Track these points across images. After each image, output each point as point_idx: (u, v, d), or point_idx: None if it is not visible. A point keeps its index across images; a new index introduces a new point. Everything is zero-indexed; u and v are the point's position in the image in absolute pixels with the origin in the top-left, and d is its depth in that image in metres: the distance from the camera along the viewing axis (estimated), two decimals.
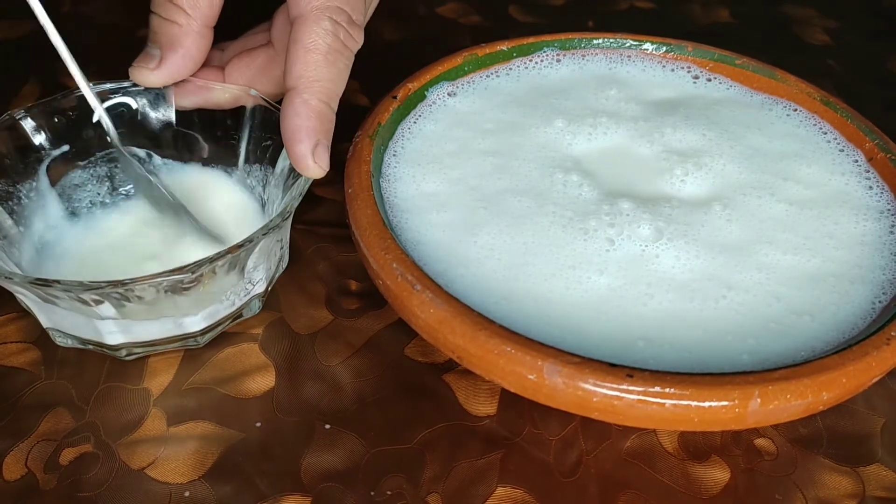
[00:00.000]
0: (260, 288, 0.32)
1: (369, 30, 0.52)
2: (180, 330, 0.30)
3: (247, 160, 0.35)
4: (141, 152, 0.35)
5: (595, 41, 0.40)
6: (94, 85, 0.33)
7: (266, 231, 0.28)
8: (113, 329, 0.28)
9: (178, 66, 0.31)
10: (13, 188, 0.32)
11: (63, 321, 0.29)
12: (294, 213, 0.31)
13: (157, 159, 0.35)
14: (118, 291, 0.26)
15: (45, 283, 0.25)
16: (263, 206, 0.34)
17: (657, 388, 0.23)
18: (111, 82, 0.34)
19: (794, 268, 0.29)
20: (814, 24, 0.58)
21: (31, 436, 0.28)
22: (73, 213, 0.34)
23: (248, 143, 0.34)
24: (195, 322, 0.30)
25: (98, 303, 0.27)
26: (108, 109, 0.33)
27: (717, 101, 0.38)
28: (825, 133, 0.36)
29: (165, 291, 0.27)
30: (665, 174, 0.33)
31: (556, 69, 0.40)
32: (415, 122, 0.35)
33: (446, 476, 0.28)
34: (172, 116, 0.35)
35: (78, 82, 0.31)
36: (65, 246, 0.32)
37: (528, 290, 0.28)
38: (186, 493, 0.27)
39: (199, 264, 0.26)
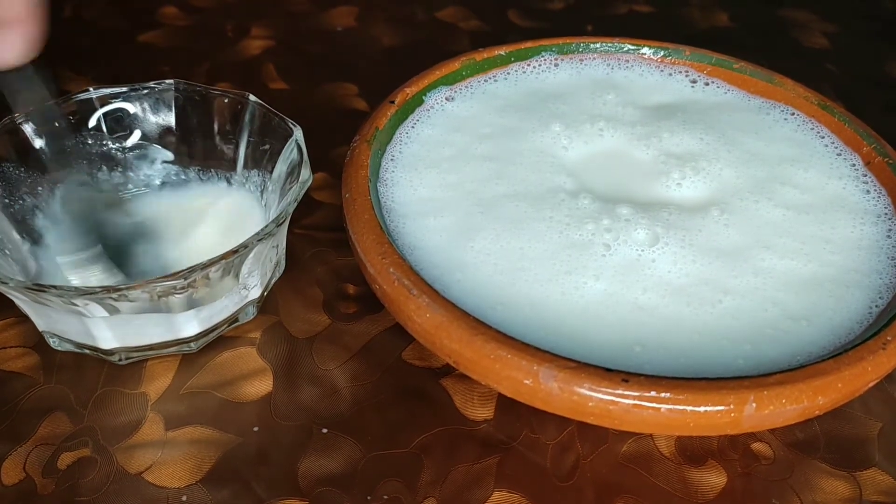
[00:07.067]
0: (255, 293, 0.32)
1: (368, 34, 0.53)
2: (174, 335, 0.30)
3: (245, 165, 0.35)
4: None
5: (593, 45, 0.40)
6: (93, 90, 0.34)
7: (261, 237, 0.28)
8: (107, 333, 0.29)
9: None
10: (13, 191, 0.32)
11: (57, 325, 0.29)
12: (292, 218, 0.31)
13: (156, 163, 0.35)
14: (112, 297, 0.26)
15: (40, 288, 0.26)
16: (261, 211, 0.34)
17: (653, 393, 0.23)
18: (110, 87, 0.34)
19: (790, 272, 0.29)
20: (812, 27, 0.58)
21: (29, 440, 0.28)
22: (72, 215, 0.34)
23: (247, 148, 0.35)
24: (189, 327, 0.30)
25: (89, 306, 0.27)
26: (107, 114, 0.34)
27: (715, 105, 0.38)
28: (822, 137, 0.36)
29: (159, 297, 0.27)
30: (662, 178, 0.33)
31: (554, 74, 0.40)
32: (413, 127, 0.35)
33: (443, 480, 0.28)
34: (172, 121, 0.35)
35: None
36: (64, 247, 0.32)
37: (525, 295, 0.28)
38: (184, 498, 0.27)
39: (192, 270, 0.26)
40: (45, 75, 0.30)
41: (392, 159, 0.34)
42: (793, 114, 0.38)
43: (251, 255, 0.28)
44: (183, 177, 0.36)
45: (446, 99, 0.37)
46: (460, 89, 0.38)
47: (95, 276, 0.30)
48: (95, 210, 0.33)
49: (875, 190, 0.33)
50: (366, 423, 0.29)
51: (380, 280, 0.27)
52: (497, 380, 0.25)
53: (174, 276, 0.26)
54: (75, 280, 0.30)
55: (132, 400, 0.30)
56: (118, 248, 0.31)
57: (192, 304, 0.29)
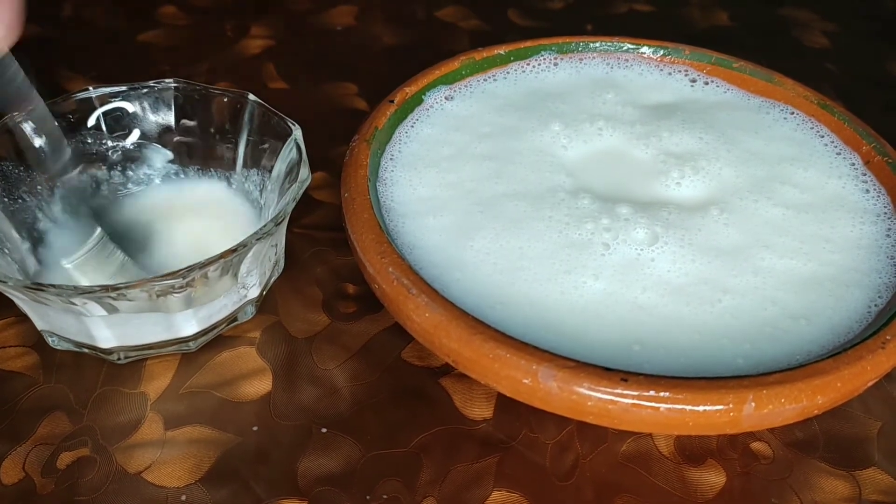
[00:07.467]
0: (254, 293, 0.32)
1: (368, 34, 0.53)
2: (173, 334, 0.30)
3: (244, 164, 0.35)
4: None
5: (592, 45, 0.40)
6: (93, 89, 0.34)
7: (259, 236, 0.28)
8: (106, 332, 0.29)
9: None
10: (13, 190, 0.32)
11: (56, 324, 0.29)
12: (291, 217, 0.31)
13: (156, 162, 0.35)
14: (110, 296, 0.26)
15: (39, 287, 0.25)
16: (260, 210, 0.34)
17: (652, 393, 0.23)
18: (110, 86, 0.34)
19: (790, 272, 0.29)
20: (813, 27, 0.58)
21: (28, 440, 0.28)
22: (72, 214, 0.34)
23: (246, 147, 0.35)
24: (188, 326, 0.30)
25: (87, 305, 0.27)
26: (106, 113, 0.34)
27: (715, 104, 0.38)
28: (822, 136, 0.36)
29: (157, 296, 0.27)
30: (662, 178, 0.33)
31: (554, 73, 0.40)
32: (412, 126, 0.35)
33: (442, 480, 0.28)
34: (171, 120, 0.35)
35: None
36: (64, 246, 0.32)
37: (524, 294, 0.28)
38: (183, 497, 0.27)
39: (190, 269, 0.26)
40: (22, 67, 0.29)
41: (391, 159, 0.34)
42: (792, 113, 0.38)
43: (250, 254, 0.28)
44: (182, 175, 0.36)
45: (446, 98, 0.37)
46: (460, 89, 0.38)
47: (104, 270, 0.30)
48: (90, 205, 0.33)
49: (874, 189, 0.33)
50: (365, 423, 0.29)
51: (379, 279, 0.27)
52: (496, 379, 0.25)
53: (173, 275, 0.26)
54: (84, 281, 0.30)
55: (131, 399, 0.30)
56: (118, 241, 0.31)
57: (190, 304, 0.29)
